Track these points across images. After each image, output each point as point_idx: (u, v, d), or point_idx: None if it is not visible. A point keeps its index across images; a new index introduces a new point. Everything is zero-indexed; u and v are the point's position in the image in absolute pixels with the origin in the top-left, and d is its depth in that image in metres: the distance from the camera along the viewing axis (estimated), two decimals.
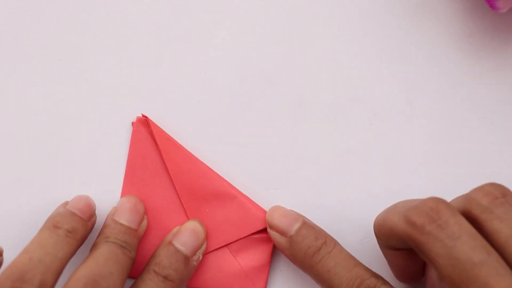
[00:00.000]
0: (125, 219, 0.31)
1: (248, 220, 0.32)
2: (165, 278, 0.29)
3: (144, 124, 0.33)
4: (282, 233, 0.31)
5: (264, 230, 0.32)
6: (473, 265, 0.24)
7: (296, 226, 0.31)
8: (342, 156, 0.34)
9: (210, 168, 0.33)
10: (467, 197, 0.26)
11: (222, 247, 0.32)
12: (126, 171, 0.33)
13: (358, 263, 0.29)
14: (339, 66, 0.34)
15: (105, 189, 0.33)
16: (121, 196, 0.33)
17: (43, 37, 0.34)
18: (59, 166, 0.33)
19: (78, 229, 0.30)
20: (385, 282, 0.28)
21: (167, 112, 0.34)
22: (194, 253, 0.31)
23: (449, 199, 0.34)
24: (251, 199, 0.33)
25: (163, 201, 0.33)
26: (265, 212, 0.33)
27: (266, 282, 0.33)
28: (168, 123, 0.34)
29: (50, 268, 0.27)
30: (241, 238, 0.32)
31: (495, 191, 0.26)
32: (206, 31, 0.34)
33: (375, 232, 0.29)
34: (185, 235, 0.31)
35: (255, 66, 0.34)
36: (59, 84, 0.34)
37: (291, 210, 0.32)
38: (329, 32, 0.35)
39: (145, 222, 0.32)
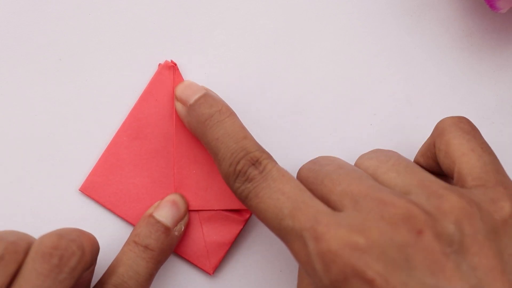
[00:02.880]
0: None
1: (229, 195, 0.32)
2: (146, 247, 0.29)
3: (168, 70, 0.33)
4: (183, 102, 0.31)
5: (240, 212, 0.33)
6: (335, 172, 0.27)
7: (197, 96, 0.31)
8: (342, 156, 0.34)
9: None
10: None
11: (194, 210, 0.32)
12: (135, 105, 0.33)
13: (248, 136, 0.29)
14: (339, 66, 0.34)
15: None
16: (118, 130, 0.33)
17: (43, 37, 0.34)
18: (59, 166, 0.33)
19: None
20: (269, 157, 0.28)
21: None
22: (175, 224, 0.31)
23: None
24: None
25: (159, 146, 0.33)
26: None
27: (220, 261, 0.33)
28: None
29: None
30: (215, 210, 0.32)
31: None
32: (206, 31, 0.34)
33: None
34: (166, 207, 0.31)
35: (255, 66, 0.34)
36: (59, 84, 0.34)
37: (200, 85, 0.32)
38: (329, 32, 0.35)
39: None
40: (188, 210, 0.32)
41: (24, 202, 0.33)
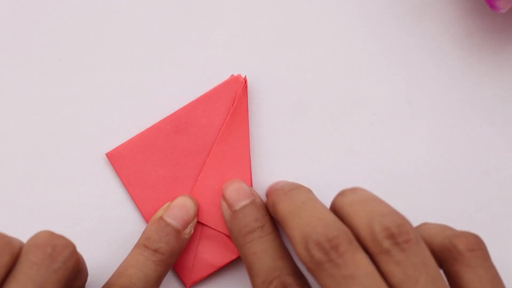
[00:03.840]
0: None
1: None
2: (155, 251, 0.29)
3: (238, 84, 0.33)
4: (229, 206, 0.31)
5: None
6: None
7: (243, 203, 0.31)
8: (342, 156, 0.34)
9: (249, 164, 0.33)
10: (370, 229, 0.26)
11: (199, 223, 0.32)
12: (192, 102, 0.33)
13: (286, 256, 0.29)
14: (339, 66, 0.34)
15: (105, 189, 0.33)
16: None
17: (43, 37, 0.34)
18: (59, 166, 0.33)
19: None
20: (302, 283, 0.28)
21: (167, 111, 0.34)
22: (185, 226, 0.31)
23: (449, 197, 0.34)
24: None
25: (195, 148, 0.33)
26: None
27: (201, 279, 0.33)
28: None
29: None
30: (218, 231, 0.32)
31: (398, 234, 0.25)
32: (206, 31, 0.34)
33: (272, 213, 0.30)
34: (176, 210, 0.31)
35: (255, 66, 0.34)
36: (59, 84, 0.34)
37: (250, 188, 0.32)
38: (329, 32, 0.35)
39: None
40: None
41: (24, 202, 0.33)
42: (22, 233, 0.28)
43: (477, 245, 0.28)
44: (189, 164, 0.33)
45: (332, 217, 0.27)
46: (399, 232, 0.25)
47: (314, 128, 0.34)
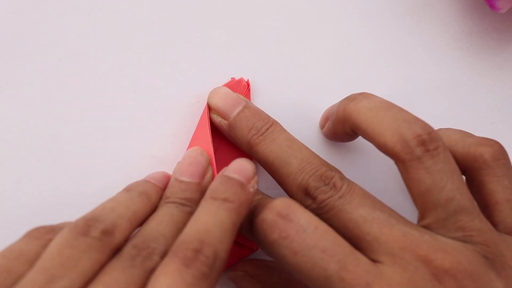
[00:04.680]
0: (186, 175, 0.30)
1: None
2: (225, 200, 0.27)
3: (240, 87, 0.33)
4: (224, 116, 0.31)
5: (252, 242, 0.32)
6: (364, 221, 0.25)
7: (238, 109, 0.30)
8: (342, 156, 0.34)
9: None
10: (399, 136, 0.26)
11: None
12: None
13: (311, 151, 0.29)
14: (339, 66, 0.34)
15: (105, 189, 0.33)
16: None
17: (43, 37, 0.34)
18: (59, 166, 0.33)
19: (151, 192, 0.29)
20: (342, 176, 0.28)
21: (167, 111, 0.34)
22: (249, 181, 0.29)
23: None
24: None
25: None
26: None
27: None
28: (168, 122, 0.34)
29: (124, 215, 0.27)
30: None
31: (429, 141, 0.26)
32: (206, 31, 0.34)
33: (346, 119, 0.29)
34: (236, 165, 0.29)
35: (255, 66, 0.34)
36: (59, 84, 0.34)
37: (235, 93, 0.31)
38: (329, 32, 0.35)
39: (209, 174, 0.30)
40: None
41: (24, 202, 0.33)
42: (22, 233, 0.28)
43: (502, 154, 0.28)
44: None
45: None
46: (429, 139, 0.25)
47: (314, 128, 0.34)
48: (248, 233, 0.28)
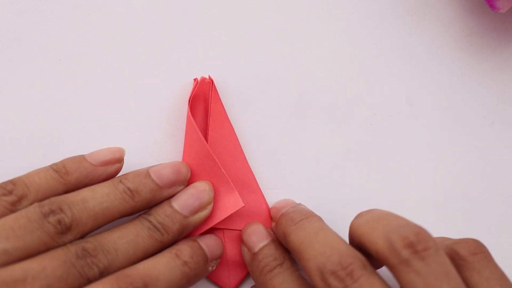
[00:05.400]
0: (180, 204, 0.30)
1: (257, 217, 0.32)
2: (185, 263, 0.29)
3: (205, 86, 0.33)
4: (249, 249, 0.31)
5: None
6: None
7: (262, 244, 0.31)
8: (342, 156, 0.34)
9: (244, 156, 0.33)
10: (388, 241, 0.25)
11: (219, 229, 0.32)
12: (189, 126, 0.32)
13: (304, 285, 0.29)
14: (339, 66, 0.34)
15: None
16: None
17: (43, 37, 0.34)
18: None
19: (141, 191, 0.29)
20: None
21: (167, 111, 0.34)
22: (213, 259, 0.31)
23: (449, 196, 0.34)
24: (267, 203, 0.33)
25: (194, 163, 0.32)
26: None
27: (241, 281, 0.33)
28: (168, 122, 0.34)
29: (91, 211, 0.27)
30: (240, 230, 0.32)
31: (416, 242, 0.25)
32: (206, 31, 0.34)
33: (286, 245, 0.30)
34: (210, 240, 0.31)
35: (255, 66, 0.34)
36: (59, 84, 0.34)
37: (267, 228, 0.32)
38: (329, 32, 0.35)
39: (203, 214, 0.31)
40: (215, 228, 0.32)
41: None
42: None
43: (478, 248, 0.28)
44: (194, 180, 0.32)
45: (345, 244, 0.27)
46: (417, 240, 0.25)
47: (314, 128, 0.34)
48: None
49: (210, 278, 0.33)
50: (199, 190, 0.31)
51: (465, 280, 0.27)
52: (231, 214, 0.31)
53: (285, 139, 0.34)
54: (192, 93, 0.32)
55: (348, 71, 0.34)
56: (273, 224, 0.32)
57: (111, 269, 0.27)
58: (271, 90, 0.34)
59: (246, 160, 0.33)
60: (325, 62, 0.34)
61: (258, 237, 0.31)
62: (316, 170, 0.34)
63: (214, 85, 0.33)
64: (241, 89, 0.34)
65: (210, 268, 0.31)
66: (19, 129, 0.34)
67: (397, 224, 0.26)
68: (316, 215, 0.30)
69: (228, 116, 0.33)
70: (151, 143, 0.33)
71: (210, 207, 0.31)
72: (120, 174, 0.31)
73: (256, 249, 0.31)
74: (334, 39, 0.35)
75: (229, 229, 0.32)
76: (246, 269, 0.32)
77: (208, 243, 0.31)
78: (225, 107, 0.33)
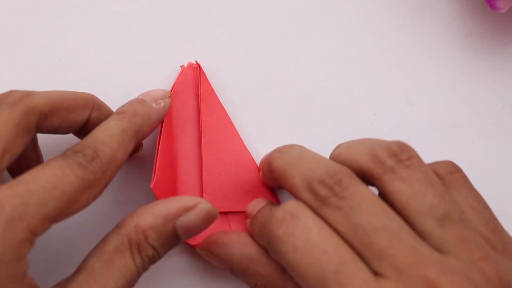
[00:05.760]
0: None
1: (259, 196, 0.32)
2: (118, 113, 0.29)
3: (193, 71, 0.33)
4: (249, 216, 0.31)
5: None
6: (373, 228, 0.24)
7: (259, 206, 0.31)
8: None
9: (240, 137, 0.33)
10: (372, 154, 0.26)
11: (222, 213, 0.32)
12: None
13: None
14: (339, 66, 0.34)
15: (106, 189, 0.33)
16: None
17: (43, 37, 0.34)
18: None
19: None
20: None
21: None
22: (155, 100, 0.30)
23: None
24: None
25: (185, 149, 0.32)
26: (276, 199, 0.33)
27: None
28: None
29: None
30: (243, 211, 0.32)
31: (400, 152, 0.26)
32: (206, 31, 0.34)
33: (269, 172, 0.29)
34: (146, 91, 0.31)
35: (255, 66, 0.34)
36: (59, 84, 0.34)
37: (265, 199, 0.32)
38: (329, 32, 0.35)
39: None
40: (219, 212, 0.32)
41: None
42: None
43: (455, 168, 0.28)
44: (187, 166, 0.32)
45: (330, 160, 0.27)
46: (401, 150, 0.26)
47: (314, 128, 0.34)
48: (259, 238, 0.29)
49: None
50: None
51: None
52: (233, 197, 0.32)
53: (285, 139, 0.34)
54: (177, 79, 0.33)
55: (348, 71, 0.34)
56: (248, 220, 0.31)
57: (98, 156, 0.26)
58: (271, 90, 0.34)
59: (242, 141, 0.33)
60: (325, 62, 0.34)
61: (255, 204, 0.31)
62: None
63: (202, 70, 0.33)
64: (241, 89, 0.34)
65: (156, 106, 0.30)
66: None
67: (378, 141, 0.26)
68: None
69: (228, 116, 0.33)
70: (152, 143, 0.33)
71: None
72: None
73: (254, 212, 0.31)
74: (334, 39, 0.35)
75: (232, 212, 0.32)
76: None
77: (144, 93, 0.31)
78: (224, 107, 0.33)
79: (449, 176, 0.28)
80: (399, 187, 0.25)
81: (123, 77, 0.34)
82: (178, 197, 0.28)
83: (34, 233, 0.23)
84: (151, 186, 0.29)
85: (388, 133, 0.34)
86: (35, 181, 0.24)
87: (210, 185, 0.32)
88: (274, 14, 0.35)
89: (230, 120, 0.33)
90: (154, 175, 0.30)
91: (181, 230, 0.27)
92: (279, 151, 0.29)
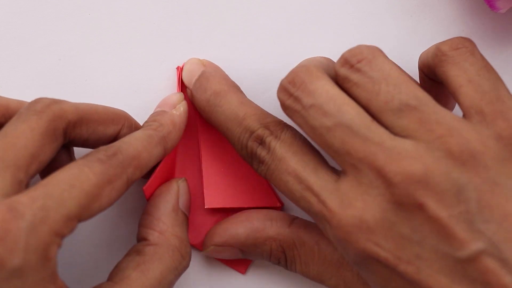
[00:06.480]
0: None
1: (261, 193, 0.32)
2: (143, 127, 0.29)
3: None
4: (188, 86, 0.31)
5: (269, 209, 0.32)
6: (327, 129, 0.25)
7: (194, 79, 0.31)
8: None
9: None
10: (331, 68, 0.27)
11: (225, 211, 0.32)
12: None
13: (248, 113, 0.29)
14: None
15: None
16: None
17: (43, 37, 0.34)
18: None
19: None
20: (273, 131, 0.28)
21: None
22: (173, 107, 0.31)
23: None
24: None
25: (184, 147, 0.32)
26: (275, 194, 0.32)
27: (252, 261, 0.32)
28: None
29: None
30: (244, 207, 0.32)
31: (350, 59, 0.26)
32: (206, 31, 0.34)
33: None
34: (159, 103, 0.31)
35: (255, 66, 0.34)
36: (59, 84, 0.34)
37: (200, 61, 0.32)
38: (329, 32, 0.35)
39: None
40: (218, 208, 0.32)
41: None
42: None
43: (461, 43, 0.27)
44: (186, 163, 0.33)
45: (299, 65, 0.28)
46: (350, 55, 0.26)
47: None
48: None
49: (222, 261, 0.32)
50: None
51: (443, 74, 0.27)
52: (233, 193, 0.32)
53: None
54: (178, 80, 0.33)
55: None
56: (189, 91, 0.31)
57: (120, 151, 0.26)
58: (271, 90, 0.34)
59: None
60: None
61: (192, 73, 0.31)
62: None
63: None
64: (241, 89, 0.34)
65: (175, 112, 0.30)
66: None
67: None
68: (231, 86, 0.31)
69: None
70: None
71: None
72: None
73: (191, 86, 0.31)
74: (334, 39, 0.35)
75: (234, 208, 0.32)
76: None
77: (160, 104, 0.31)
78: None
79: (452, 52, 0.27)
80: (356, 93, 0.25)
81: (123, 77, 0.34)
82: (164, 189, 0.30)
83: (59, 235, 0.23)
84: (144, 188, 0.30)
85: None
86: (53, 183, 0.24)
87: (210, 181, 0.32)
88: (274, 14, 0.35)
89: None
90: (152, 176, 0.30)
91: (186, 210, 0.30)
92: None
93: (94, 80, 0.34)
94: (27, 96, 0.33)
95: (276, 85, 0.34)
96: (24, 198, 0.23)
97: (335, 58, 0.34)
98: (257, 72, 0.34)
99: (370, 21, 0.35)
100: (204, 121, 0.32)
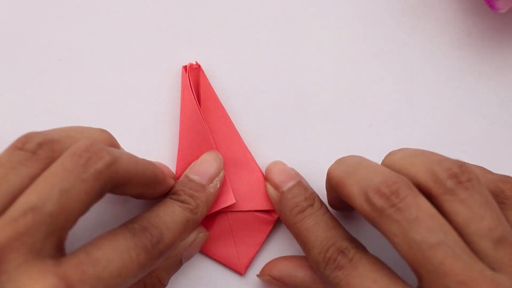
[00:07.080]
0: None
1: (259, 196, 0.32)
2: (182, 202, 0.29)
3: (193, 72, 0.33)
4: (276, 188, 0.31)
5: (269, 212, 0.32)
6: (429, 245, 0.24)
7: (290, 184, 0.31)
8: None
9: (240, 136, 0.33)
10: (431, 172, 0.26)
11: (223, 212, 0.32)
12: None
13: (337, 226, 0.29)
14: (339, 66, 0.34)
15: None
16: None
17: (43, 37, 0.34)
18: None
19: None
20: (357, 246, 0.28)
21: (167, 112, 0.34)
22: (211, 181, 0.31)
23: None
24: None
25: (184, 146, 0.33)
26: None
27: (251, 260, 0.33)
28: (169, 122, 0.34)
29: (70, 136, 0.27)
30: (244, 211, 0.32)
31: (460, 173, 0.25)
32: (206, 31, 0.34)
33: (328, 183, 0.29)
34: (199, 166, 0.31)
35: (255, 66, 0.34)
36: (59, 84, 0.34)
37: (291, 168, 0.32)
38: (329, 33, 0.35)
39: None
40: (219, 211, 0.32)
41: None
42: None
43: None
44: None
45: (389, 170, 0.26)
46: (461, 171, 0.25)
47: (314, 128, 0.34)
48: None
49: (221, 262, 0.33)
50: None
51: (507, 219, 0.26)
52: (234, 195, 0.32)
53: (285, 139, 0.34)
54: (188, 79, 0.33)
55: (348, 71, 0.34)
56: (272, 190, 0.32)
57: (162, 240, 0.27)
58: (271, 90, 0.34)
59: (242, 141, 0.33)
60: (325, 62, 0.34)
61: (286, 176, 0.31)
62: (315, 170, 0.34)
63: (202, 70, 0.33)
64: (241, 89, 0.34)
65: (212, 190, 0.31)
66: (19, 129, 0.33)
67: (437, 158, 0.26)
68: (317, 200, 0.31)
69: (228, 115, 0.33)
70: (152, 143, 0.33)
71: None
72: None
73: (284, 188, 0.31)
74: (334, 39, 0.35)
75: (232, 211, 0.32)
76: (256, 248, 0.33)
77: (197, 171, 0.31)
78: (224, 107, 0.33)
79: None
80: (458, 209, 0.25)
81: (123, 77, 0.34)
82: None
83: None
84: None
85: (387, 133, 0.34)
86: (103, 264, 0.24)
87: None
88: (274, 14, 0.35)
89: (230, 120, 0.33)
90: None
91: (185, 260, 0.31)
92: (337, 161, 0.29)
93: (94, 80, 0.34)
94: (27, 96, 0.34)
95: (276, 85, 0.34)
96: (75, 271, 0.23)
97: (335, 59, 0.34)
98: (257, 72, 0.34)
99: (370, 21, 0.35)
100: (207, 125, 0.32)
